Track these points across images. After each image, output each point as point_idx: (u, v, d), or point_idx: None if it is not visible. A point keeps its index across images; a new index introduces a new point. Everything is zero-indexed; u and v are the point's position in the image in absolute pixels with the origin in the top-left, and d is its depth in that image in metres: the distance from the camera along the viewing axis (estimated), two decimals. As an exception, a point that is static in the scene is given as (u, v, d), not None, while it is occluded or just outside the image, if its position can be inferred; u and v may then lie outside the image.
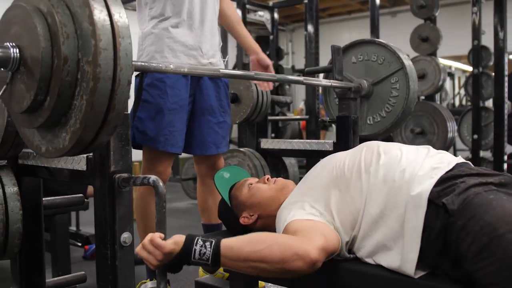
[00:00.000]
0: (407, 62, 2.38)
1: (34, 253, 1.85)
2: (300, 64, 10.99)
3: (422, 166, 1.41)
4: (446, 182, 1.35)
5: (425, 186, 1.34)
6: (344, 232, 1.46)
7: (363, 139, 2.30)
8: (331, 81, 2.26)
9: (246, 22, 6.08)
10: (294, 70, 12.11)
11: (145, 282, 2.20)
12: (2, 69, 1.23)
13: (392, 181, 1.41)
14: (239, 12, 5.89)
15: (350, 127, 2.32)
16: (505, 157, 4.24)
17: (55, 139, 1.27)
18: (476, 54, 4.76)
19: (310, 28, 4.82)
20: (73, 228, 3.89)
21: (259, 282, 2.05)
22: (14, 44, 1.22)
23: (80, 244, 3.69)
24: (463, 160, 1.49)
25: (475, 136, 4.71)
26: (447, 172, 1.38)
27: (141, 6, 2.19)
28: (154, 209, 1.35)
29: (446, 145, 4.13)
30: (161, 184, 1.33)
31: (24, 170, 1.78)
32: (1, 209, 1.65)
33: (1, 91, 1.26)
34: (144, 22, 2.16)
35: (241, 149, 2.81)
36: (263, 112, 2.85)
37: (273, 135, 6.62)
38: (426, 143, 4.14)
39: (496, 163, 4.20)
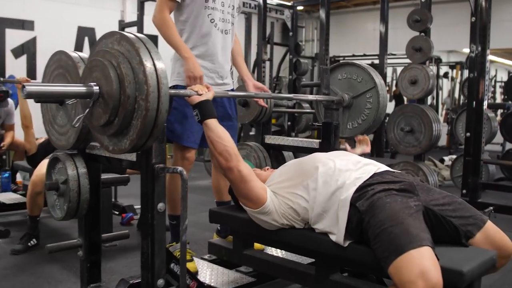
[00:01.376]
0: (379, 82, 3.08)
1: (94, 215, 2.60)
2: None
3: (349, 176, 2.11)
4: (362, 189, 2.04)
5: (349, 192, 2.04)
6: (300, 209, 2.18)
7: (344, 138, 3.06)
8: (317, 96, 2.96)
9: (265, 19, 6.68)
10: (316, 58, 12.66)
11: (172, 245, 2.93)
12: (88, 99, 1.97)
13: (332, 186, 2.11)
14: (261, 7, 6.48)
15: (332, 131, 3.03)
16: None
17: (119, 143, 2.00)
18: (472, 61, 5.33)
19: (322, 14, 5.35)
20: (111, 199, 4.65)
21: (258, 244, 2.80)
22: (95, 83, 1.96)
23: (117, 212, 4.46)
24: (384, 169, 2.18)
25: (468, 134, 5.31)
26: (364, 181, 2.07)
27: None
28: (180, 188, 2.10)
29: (432, 142, 4.76)
30: (185, 173, 2.06)
31: (90, 157, 2.52)
32: (76, 183, 2.40)
33: (86, 112, 2.00)
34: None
35: (249, 143, 3.54)
36: (267, 115, 3.57)
37: (289, 123, 7.34)
38: (415, 141, 4.81)
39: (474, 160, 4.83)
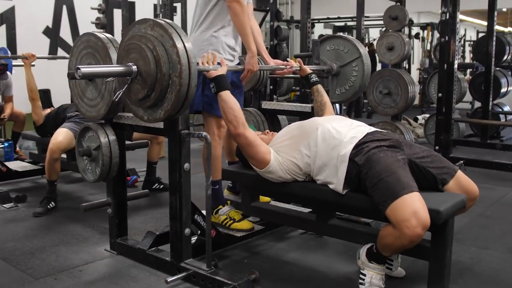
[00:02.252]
0: (364, 52, 3.47)
1: (121, 177, 2.98)
2: (298, 14, 11.82)
3: (346, 135, 2.52)
4: (359, 147, 2.46)
5: (347, 149, 2.46)
6: (302, 164, 2.60)
7: (333, 103, 3.48)
8: (309, 66, 3.34)
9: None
10: (292, 21, 12.95)
11: (220, 208, 3.18)
12: (127, 77, 2.32)
13: (331, 145, 2.52)
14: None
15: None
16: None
17: (154, 113, 2.37)
18: (444, 25, 5.73)
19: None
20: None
21: (264, 197, 3.21)
22: (133, 64, 2.31)
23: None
24: (374, 130, 2.60)
25: (440, 95, 5.75)
26: (360, 140, 2.49)
27: (203, 17, 3.09)
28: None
29: (407, 103, 5.20)
30: (208, 137, 2.46)
31: (117, 126, 2.88)
32: (108, 149, 2.77)
33: (124, 88, 2.35)
34: (204, 29, 3.06)
35: (248, 109, 3.92)
36: (263, 83, 3.95)
37: (271, 87, 7.69)
38: (392, 102, 5.25)
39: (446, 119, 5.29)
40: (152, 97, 2.31)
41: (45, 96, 9.96)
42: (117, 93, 2.42)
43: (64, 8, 10.42)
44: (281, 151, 2.68)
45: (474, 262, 2.96)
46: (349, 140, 2.50)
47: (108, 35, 2.72)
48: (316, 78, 3.20)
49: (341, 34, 3.59)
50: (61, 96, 7.16)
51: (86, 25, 10.25)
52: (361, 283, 2.49)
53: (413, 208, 2.18)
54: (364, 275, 2.48)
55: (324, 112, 3.07)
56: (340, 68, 3.53)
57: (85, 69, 2.18)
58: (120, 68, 2.32)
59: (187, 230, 2.64)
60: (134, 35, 2.36)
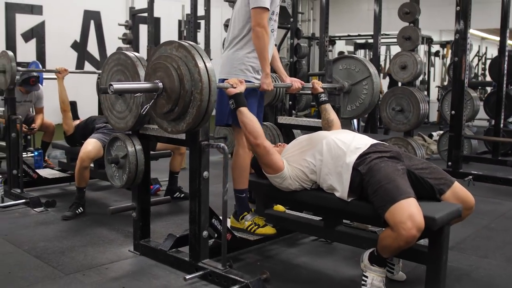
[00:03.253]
0: (373, 71, 3.71)
1: (145, 183, 3.24)
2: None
3: (350, 145, 2.76)
4: (362, 157, 2.70)
5: (352, 159, 2.70)
6: (308, 171, 2.84)
7: (348, 119, 3.71)
8: (324, 84, 3.58)
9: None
10: (313, 38, 13.17)
11: (245, 215, 3.29)
12: (154, 93, 2.59)
13: (336, 154, 2.76)
14: None
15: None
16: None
17: (177, 126, 2.64)
18: (457, 45, 5.94)
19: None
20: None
21: (279, 206, 3.44)
22: (159, 81, 2.58)
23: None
24: (376, 142, 2.83)
25: (453, 112, 5.94)
26: (363, 151, 2.72)
27: (239, 38, 3.25)
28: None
29: (419, 120, 5.40)
30: (226, 148, 2.71)
31: (143, 136, 3.15)
32: (134, 158, 3.04)
33: (151, 103, 2.62)
34: (238, 48, 3.21)
35: (264, 123, 4.17)
36: (280, 99, 4.19)
37: (290, 102, 7.95)
38: (404, 119, 5.45)
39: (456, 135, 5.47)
40: (176, 111, 2.58)
41: (71, 108, 10.40)
42: (145, 107, 2.70)
43: (92, 23, 10.83)
44: (291, 161, 2.93)
45: (473, 269, 3.15)
46: (354, 151, 2.74)
47: (137, 54, 3.01)
48: (325, 98, 3.43)
49: (352, 54, 3.83)
50: (87, 107, 7.50)
51: (112, 39, 10.68)
52: (363, 285, 2.70)
53: (409, 212, 2.41)
54: (366, 277, 2.70)
55: (331, 129, 3.29)
56: (351, 86, 3.78)
57: (117, 85, 2.46)
58: (147, 85, 2.60)
59: (204, 233, 2.89)
60: (161, 55, 2.64)
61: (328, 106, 3.40)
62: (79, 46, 10.73)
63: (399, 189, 2.52)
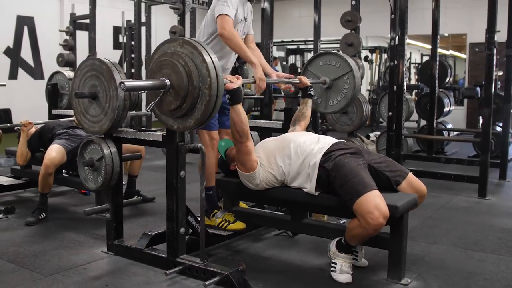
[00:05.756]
0: (354, 66, 3.93)
1: (118, 185, 3.35)
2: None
3: (314, 147, 3.00)
4: (327, 155, 2.95)
5: (317, 158, 2.94)
6: (278, 174, 3.06)
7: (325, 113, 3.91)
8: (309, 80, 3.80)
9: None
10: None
11: (215, 212, 3.52)
12: (160, 90, 2.71)
13: (303, 157, 2.99)
14: None
15: (292, 115, 3.87)
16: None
17: (184, 122, 2.76)
18: (393, 51, 6.34)
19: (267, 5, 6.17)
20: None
21: (243, 204, 3.63)
22: (166, 78, 2.70)
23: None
24: (338, 140, 3.09)
25: (390, 113, 6.33)
26: (327, 150, 2.98)
27: (208, 41, 3.51)
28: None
29: (362, 121, 5.74)
30: (203, 148, 2.88)
31: (116, 139, 3.26)
32: (110, 160, 3.15)
33: (157, 100, 2.74)
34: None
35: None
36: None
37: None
38: (349, 120, 5.77)
39: (397, 135, 5.86)
40: (184, 107, 2.69)
41: (5, 115, 10.15)
42: (150, 105, 2.80)
43: (25, 29, 10.62)
44: (262, 164, 3.13)
45: (425, 254, 3.47)
46: (318, 151, 2.99)
47: (112, 60, 3.11)
48: (312, 93, 3.71)
49: (334, 51, 4.09)
50: (21, 114, 7.31)
51: (47, 46, 10.52)
52: (333, 271, 2.95)
53: (375, 202, 2.68)
54: (335, 263, 2.95)
55: (300, 122, 3.55)
56: (332, 81, 3.98)
57: (129, 83, 2.60)
58: (156, 82, 2.71)
59: (182, 229, 3.04)
60: (166, 52, 2.75)
61: (309, 101, 3.66)
62: (13, 52, 10.51)
63: (363, 182, 2.78)
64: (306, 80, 3.72)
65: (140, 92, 2.93)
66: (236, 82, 3.05)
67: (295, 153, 3.05)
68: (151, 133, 3.10)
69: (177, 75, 2.67)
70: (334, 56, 4.03)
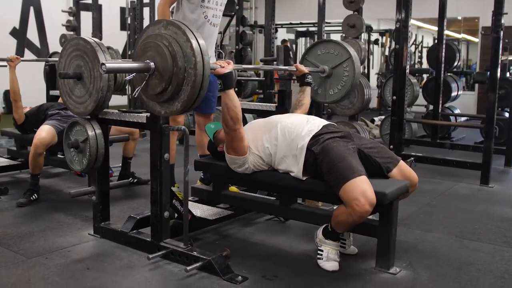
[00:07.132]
0: (353, 53, 3.81)
1: (104, 167, 3.29)
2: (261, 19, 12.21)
3: (303, 129, 2.91)
4: (315, 138, 2.86)
5: (306, 140, 2.85)
6: (264, 155, 2.97)
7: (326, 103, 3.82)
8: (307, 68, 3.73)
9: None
10: (256, 26, 13.31)
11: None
12: (145, 73, 2.63)
13: (290, 139, 2.90)
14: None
15: (286, 97, 3.80)
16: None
17: (170, 107, 2.66)
18: (398, 34, 6.20)
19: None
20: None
21: (233, 187, 3.57)
22: (150, 60, 2.61)
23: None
24: (328, 123, 3.00)
25: (394, 97, 6.21)
26: (316, 132, 2.88)
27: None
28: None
29: (363, 104, 5.64)
30: (187, 130, 2.80)
31: (102, 121, 3.20)
32: (95, 142, 3.09)
33: (142, 84, 2.66)
34: None
35: (218, 108, 4.26)
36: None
37: (236, 89, 8.05)
38: (350, 104, 5.68)
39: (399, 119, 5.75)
40: (169, 90, 2.59)
41: (6, 96, 10.14)
42: (136, 89, 2.72)
43: (32, 9, 10.57)
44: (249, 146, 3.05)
45: (418, 242, 3.39)
46: (307, 133, 2.89)
47: (96, 40, 3.04)
48: (310, 80, 3.62)
49: (331, 38, 3.96)
50: (28, 95, 7.28)
51: (53, 26, 10.45)
52: (319, 258, 2.88)
53: (361, 189, 2.59)
54: (322, 250, 2.88)
55: (297, 110, 3.49)
56: (332, 69, 3.87)
57: (111, 65, 2.49)
58: (139, 65, 2.61)
59: (166, 213, 2.98)
60: (150, 35, 2.66)
61: (308, 89, 3.57)
62: (19, 33, 10.47)
63: (351, 167, 2.69)
64: (303, 68, 3.63)
65: (128, 76, 2.82)
66: (227, 67, 2.95)
67: (282, 134, 2.96)
68: (136, 114, 3.03)
69: (161, 56, 2.58)
70: (332, 43, 3.91)
